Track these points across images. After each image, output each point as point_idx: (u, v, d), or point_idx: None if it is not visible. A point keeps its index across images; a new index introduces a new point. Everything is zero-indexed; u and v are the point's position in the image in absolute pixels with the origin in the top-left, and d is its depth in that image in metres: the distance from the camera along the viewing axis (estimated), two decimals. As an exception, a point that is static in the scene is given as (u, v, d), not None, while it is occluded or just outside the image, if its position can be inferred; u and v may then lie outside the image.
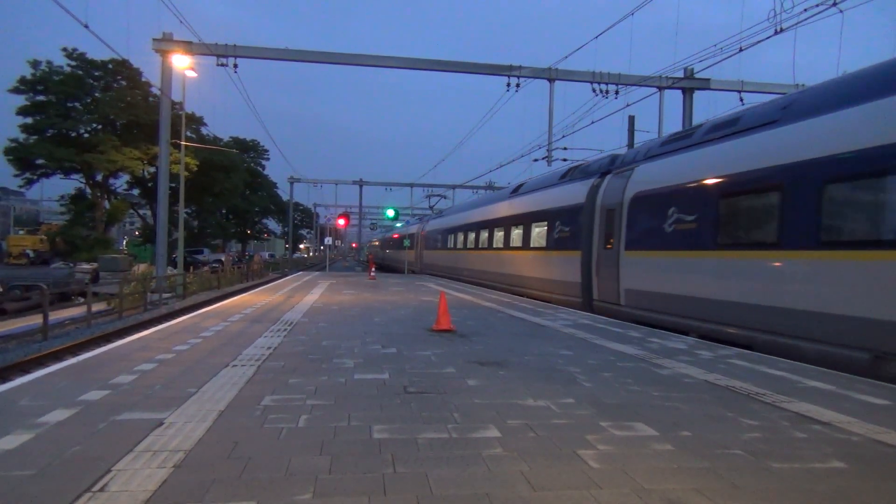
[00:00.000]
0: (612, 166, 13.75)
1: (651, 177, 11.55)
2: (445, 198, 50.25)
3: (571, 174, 16.25)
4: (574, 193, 14.82)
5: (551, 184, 17.28)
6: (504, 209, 20.53)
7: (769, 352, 7.74)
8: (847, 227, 7.37)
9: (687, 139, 11.13)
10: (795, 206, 7.81)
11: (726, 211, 9.23)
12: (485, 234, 22.16)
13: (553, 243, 15.71)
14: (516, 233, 18.60)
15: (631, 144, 21.69)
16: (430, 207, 46.59)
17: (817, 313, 7.34)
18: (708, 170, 9.84)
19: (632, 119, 23.60)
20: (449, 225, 29.50)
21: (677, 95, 24.75)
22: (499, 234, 20.46)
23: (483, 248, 22.23)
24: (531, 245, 17.32)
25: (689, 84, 24.08)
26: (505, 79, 23.16)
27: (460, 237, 26.10)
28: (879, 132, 6.68)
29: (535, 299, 15.62)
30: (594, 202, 13.50)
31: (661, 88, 23.41)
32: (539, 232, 16.76)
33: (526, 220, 17.89)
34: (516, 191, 20.64)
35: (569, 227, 14.79)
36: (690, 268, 9.97)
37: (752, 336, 8.43)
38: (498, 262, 20.34)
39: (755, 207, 8.78)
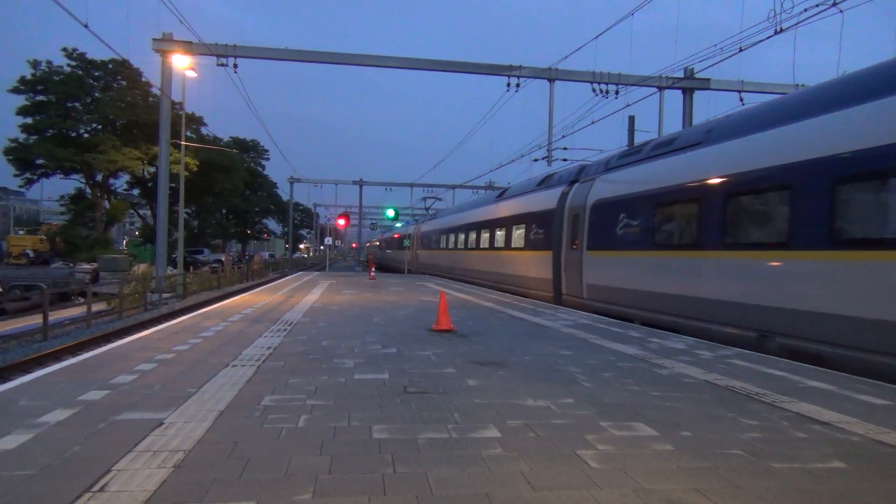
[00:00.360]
0: (579, 175, 15.41)
1: (607, 186, 13.22)
2: (440, 199, 51.83)
3: (547, 182, 17.80)
4: (547, 199, 16.38)
5: (529, 190, 18.93)
6: (489, 212, 22.22)
7: (690, 334, 9.32)
8: (741, 232, 9.03)
9: (637, 154, 12.79)
10: (708, 215, 9.51)
11: (660, 218, 10.97)
12: (473, 236, 23.70)
13: (529, 244, 17.25)
14: (499, 234, 20.18)
15: (631, 144, 21.71)
16: (426, 209, 46.90)
17: (722, 301, 9.08)
18: (648, 182, 11.49)
19: (632, 119, 23.63)
20: (441, 226, 31.25)
21: (677, 95, 24.75)
22: (485, 236, 22.06)
23: (471, 249, 23.79)
24: (511, 245, 18.85)
25: (690, 84, 24.08)
26: (505, 79, 23.16)
27: (451, 238, 27.65)
28: (756, 159, 8.66)
29: (514, 294, 17.01)
30: (563, 208, 15.10)
31: (661, 88, 23.42)
32: (518, 234, 18.28)
33: (507, 223, 19.49)
34: (501, 195, 22.46)
35: (542, 230, 16.33)
36: (635, 265, 11.62)
37: (678, 322, 10.00)
38: (484, 261, 21.91)
39: (682, 215, 10.45)
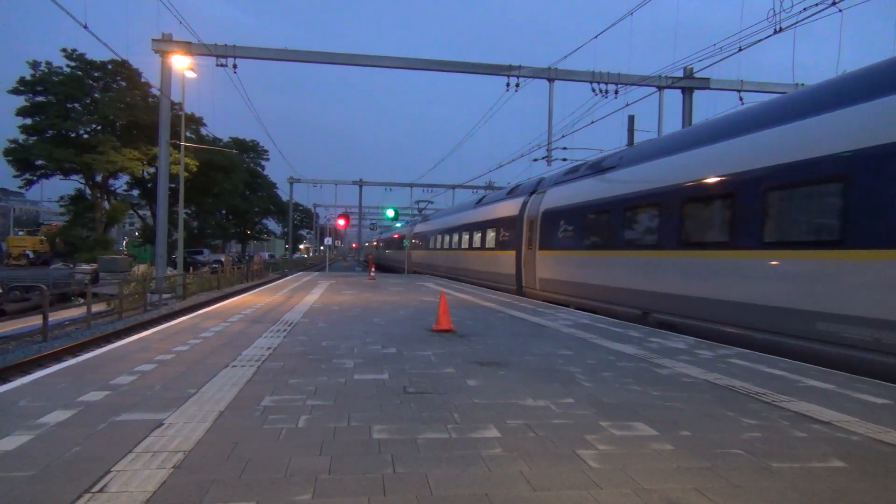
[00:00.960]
0: (537, 187, 18.22)
1: (553, 198, 16.17)
2: (432, 202, 54.76)
3: (514, 191, 20.87)
4: (512, 207, 19.41)
5: (500, 198, 22.17)
6: (468, 217, 25.57)
7: (603, 314, 12.09)
8: (634, 237, 11.92)
9: (576, 173, 15.80)
10: (613, 224, 12.59)
11: (585, 225, 14.08)
12: (455, 237, 26.96)
13: (499, 245, 20.47)
14: (477, 236, 23.40)
15: (630, 144, 21.71)
16: (419, 211, 48.38)
17: (620, 288, 12.15)
18: (578, 196, 14.58)
19: (631, 119, 23.59)
20: (428, 229, 35.12)
21: (677, 95, 24.75)
22: (465, 237, 25.24)
23: (454, 249, 27.07)
24: (485, 246, 22.07)
25: (689, 84, 24.08)
26: (504, 78, 23.16)
27: (437, 239, 31.15)
28: (639, 184, 11.84)
29: (486, 287, 20.15)
30: (523, 214, 18.06)
31: (660, 88, 23.41)
32: (491, 236, 21.54)
33: (482, 227, 22.69)
34: (479, 202, 25.90)
35: (508, 233, 19.43)
36: (571, 262, 14.63)
37: (595, 305, 13.00)
38: (464, 259, 25.18)
39: (598, 223, 13.54)
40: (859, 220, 7.04)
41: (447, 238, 28.58)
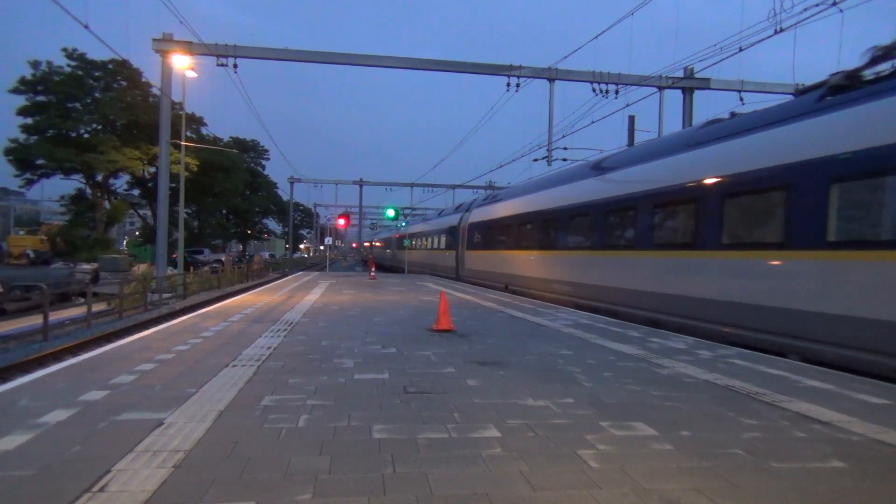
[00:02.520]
0: (471, 205, 26.63)
1: (474, 215, 24.29)
2: (415, 209, 65.17)
3: (458, 208, 30.48)
4: (454, 220, 28.07)
5: (449, 213, 32.65)
6: (431, 225, 35.60)
7: (514, 292, 17.49)
8: (539, 239, 16.58)
9: (493, 199, 23.68)
10: (495, 234, 20.25)
11: (485, 233, 21.98)
12: (422, 240, 36.61)
13: (444, 246, 29.83)
14: (435, 239, 32.74)
15: (631, 144, 21.71)
16: (405, 217, 52.61)
17: (497, 273, 19.52)
18: (487, 216, 22.26)
19: (632, 119, 23.57)
20: (408, 232, 42.90)
21: (677, 95, 24.73)
22: (428, 239, 34.76)
23: (420, 249, 36.88)
24: (439, 247, 30.91)
25: (689, 84, 24.06)
26: (505, 78, 23.13)
27: (413, 240, 39.70)
28: (549, 204, 16.38)
29: (435, 276, 28.61)
30: (459, 225, 26.45)
31: (661, 88, 23.40)
32: (443, 239, 30.09)
33: (438, 233, 31.92)
34: (440, 214, 37.36)
35: (452, 237, 27.98)
36: (487, 258, 21.69)
37: (494, 285, 19.63)
38: (428, 256, 34.28)
39: (495, 232, 20.76)
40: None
41: (418, 241, 37.86)
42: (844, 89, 7.84)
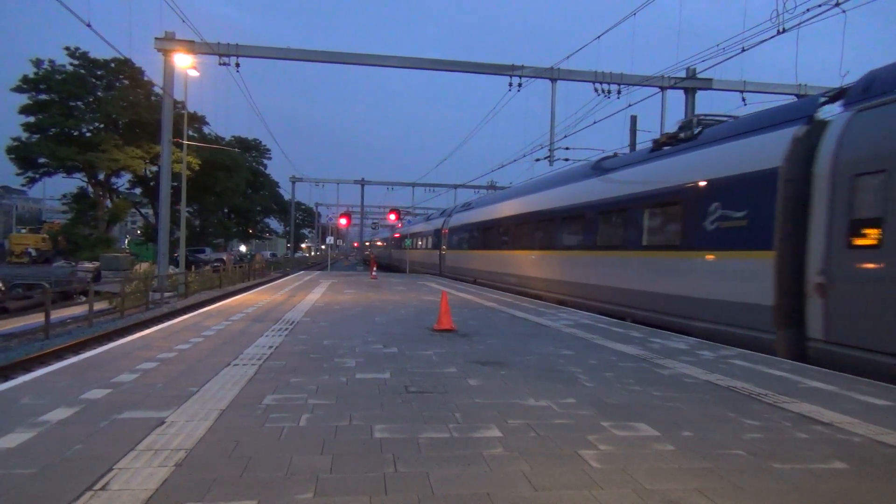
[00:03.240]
0: (452, 211, 31.84)
1: (452, 220, 29.56)
2: (409, 212, 66.43)
3: (443, 213, 35.01)
4: (437, 223, 33.55)
5: (435, 217, 37.64)
6: (423, 227, 39.86)
7: (480, 284, 21.81)
8: (486, 242, 22.81)
9: (466, 207, 28.89)
10: (468, 237, 25.85)
11: (460, 236, 27.37)
12: (417, 240, 39.95)
13: (431, 246, 34.50)
14: (420, 241, 38.42)
15: (633, 144, 21.67)
16: (400, 219, 52.85)
17: (469, 268, 24.85)
18: (461, 221, 27.59)
19: (634, 119, 23.50)
20: (402, 234, 47.38)
21: (680, 95, 24.70)
22: (421, 240, 38.55)
23: (416, 249, 39.80)
24: (428, 247, 35.40)
25: (692, 84, 24.01)
26: (507, 78, 23.11)
27: (411, 241, 43.04)
28: (464, 222, 27.18)
29: (420, 273, 32.58)
30: (440, 229, 31.74)
31: (663, 88, 23.35)
32: (430, 240, 34.82)
33: (422, 234, 37.97)
34: (427, 219, 42.58)
35: (437, 238, 32.73)
36: (461, 256, 26.62)
37: (464, 278, 24.55)
38: (421, 255, 37.79)
39: (464, 236, 26.56)
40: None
41: (414, 241, 41.82)
42: (661, 145, 12.27)
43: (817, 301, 7.52)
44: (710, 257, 9.69)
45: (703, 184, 9.99)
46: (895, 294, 6.53)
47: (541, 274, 16.94)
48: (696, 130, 11.32)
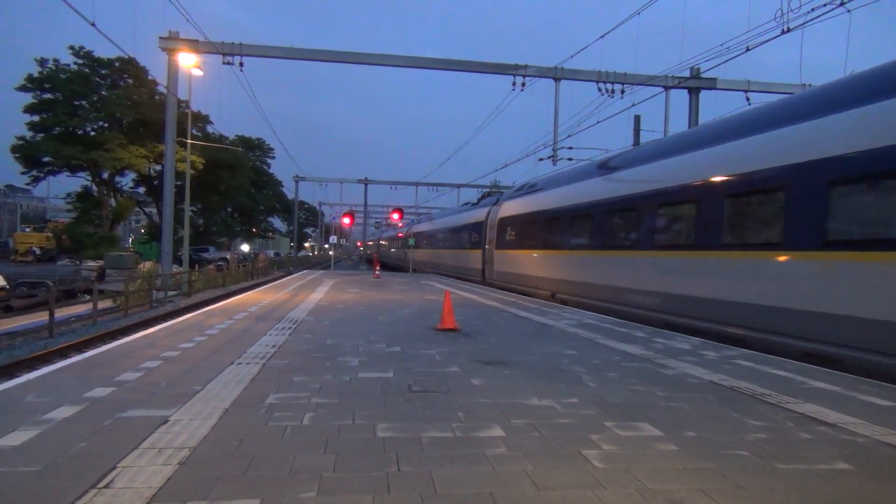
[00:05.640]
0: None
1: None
2: (419, 209, 66.32)
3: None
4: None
5: (471, 207, 29.26)
6: (448, 221, 33.23)
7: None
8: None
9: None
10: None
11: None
12: (435, 238, 35.38)
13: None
14: (453, 237, 30.32)
15: (636, 144, 21.65)
16: (403, 218, 53.50)
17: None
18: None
19: (637, 119, 23.49)
20: (408, 232, 44.59)
21: (684, 95, 24.65)
22: (443, 238, 33.04)
23: (432, 248, 36.19)
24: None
25: (696, 84, 23.97)
26: (510, 78, 23.11)
27: (421, 240, 40.42)
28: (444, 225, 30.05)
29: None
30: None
31: (667, 88, 23.32)
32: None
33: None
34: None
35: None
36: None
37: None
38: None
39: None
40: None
41: (428, 240, 38.98)
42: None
43: None
44: None
45: None
46: None
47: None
48: None
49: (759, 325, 8.50)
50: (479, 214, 24.71)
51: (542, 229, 16.86)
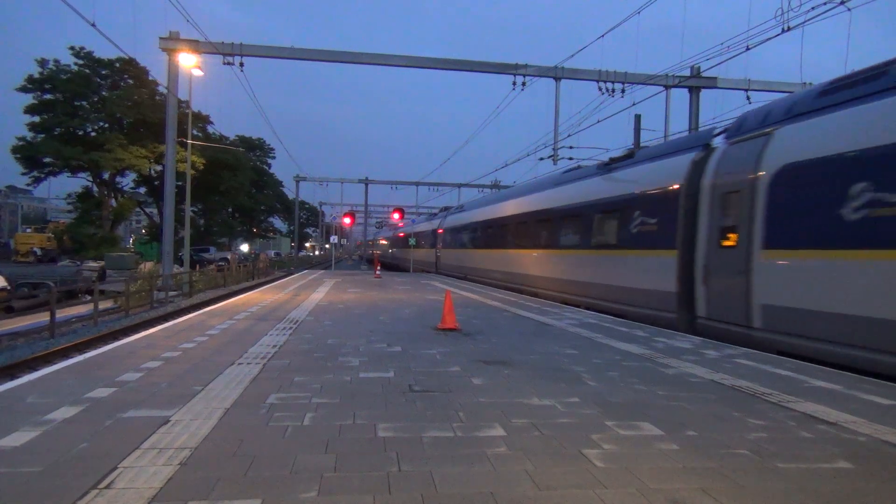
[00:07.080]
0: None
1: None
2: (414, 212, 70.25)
3: (437, 213, 40.24)
4: (435, 224, 36.04)
5: (429, 218, 42.28)
6: (421, 227, 43.45)
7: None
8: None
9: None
10: (463, 237, 28.19)
11: (452, 236, 30.37)
12: (418, 240, 42.33)
13: (430, 245, 36.39)
14: (424, 239, 39.59)
15: (637, 143, 21.62)
16: (403, 218, 55.36)
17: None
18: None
19: (638, 118, 23.44)
20: (406, 233, 50.16)
21: (684, 94, 24.63)
22: (421, 239, 40.72)
23: (409, 247, 41.65)
24: (426, 245, 37.94)
25: (696, 83, 23.93)
26: (511, 77, 23.08)
27: (415, 241, 46.88)
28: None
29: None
30: (437, 228, 34.23)
31: (667, 87, 23.29)
32: (428, 240, 37.42)
33: (421, 234, 40.59)
34: (429, 219, 45.21)
35: (432, 239, 35.45)
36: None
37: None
38: (419, 253, 39.87)
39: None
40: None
41: (417, 240, 45.67)
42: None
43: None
44: None
45: None
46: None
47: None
48: None
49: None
50: (434, 224, 36.88)
51: (462, 236, 27.70)
